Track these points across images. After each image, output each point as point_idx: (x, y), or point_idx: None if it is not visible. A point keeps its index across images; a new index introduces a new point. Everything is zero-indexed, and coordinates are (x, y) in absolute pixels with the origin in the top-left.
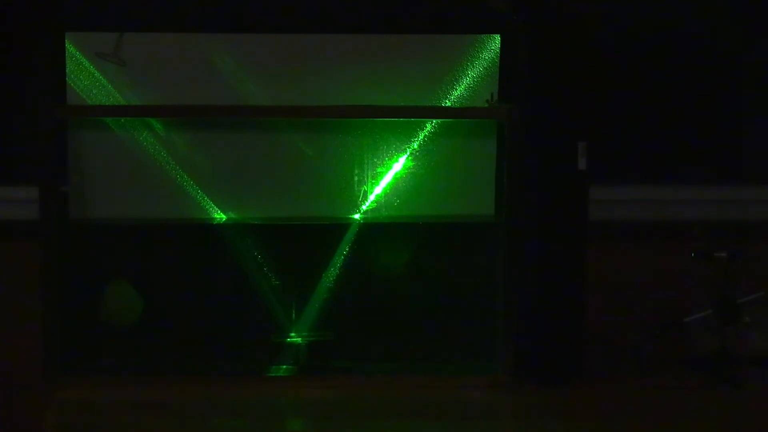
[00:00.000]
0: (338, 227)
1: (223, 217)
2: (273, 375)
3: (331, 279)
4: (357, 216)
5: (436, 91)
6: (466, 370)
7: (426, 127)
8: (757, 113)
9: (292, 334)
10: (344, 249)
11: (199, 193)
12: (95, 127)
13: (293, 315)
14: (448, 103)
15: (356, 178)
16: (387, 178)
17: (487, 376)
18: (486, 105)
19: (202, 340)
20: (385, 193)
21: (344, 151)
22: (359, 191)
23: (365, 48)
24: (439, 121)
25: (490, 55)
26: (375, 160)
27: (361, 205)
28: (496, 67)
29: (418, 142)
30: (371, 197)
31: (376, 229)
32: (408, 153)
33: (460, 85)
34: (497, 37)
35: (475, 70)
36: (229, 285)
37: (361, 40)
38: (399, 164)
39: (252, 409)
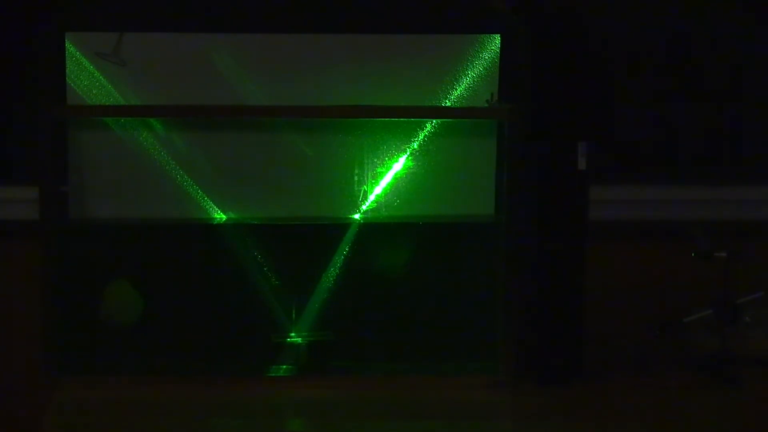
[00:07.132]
0: (338, 227)
1: (223, 217)
2: (273, 375)
3: (331, 279)
4: (357, 216)
5: (436, 91)
6: (466, 370)
7: (426, 127)
8: (757, 113)
9: (292, 334)
10: (344, 249)
11: (199, 193)
12: (95, 127)
13: (293, 315)
14: (448, 103)
15: (356, 178)
16: (387, 178)
17: (487, 376)
18: (486, 105)
19: (202, 340)
20: (385, 193)
21: (344, 151)
22: (359, 191)
23: (365, 48)
24: (439, 121)
25: (490, 55)
26: (375, 160)
27: (361, 205)
28: (496, 67)
29: (418, 142)
30: (371, 197)
31: (376, 229)
32: (408, 153)
33: (460, 85)
34: (497, 37)
35: (475, 70)
36: (229, 285)
37: (361, 40)
38: (399, 164)
39: (252, 409)
